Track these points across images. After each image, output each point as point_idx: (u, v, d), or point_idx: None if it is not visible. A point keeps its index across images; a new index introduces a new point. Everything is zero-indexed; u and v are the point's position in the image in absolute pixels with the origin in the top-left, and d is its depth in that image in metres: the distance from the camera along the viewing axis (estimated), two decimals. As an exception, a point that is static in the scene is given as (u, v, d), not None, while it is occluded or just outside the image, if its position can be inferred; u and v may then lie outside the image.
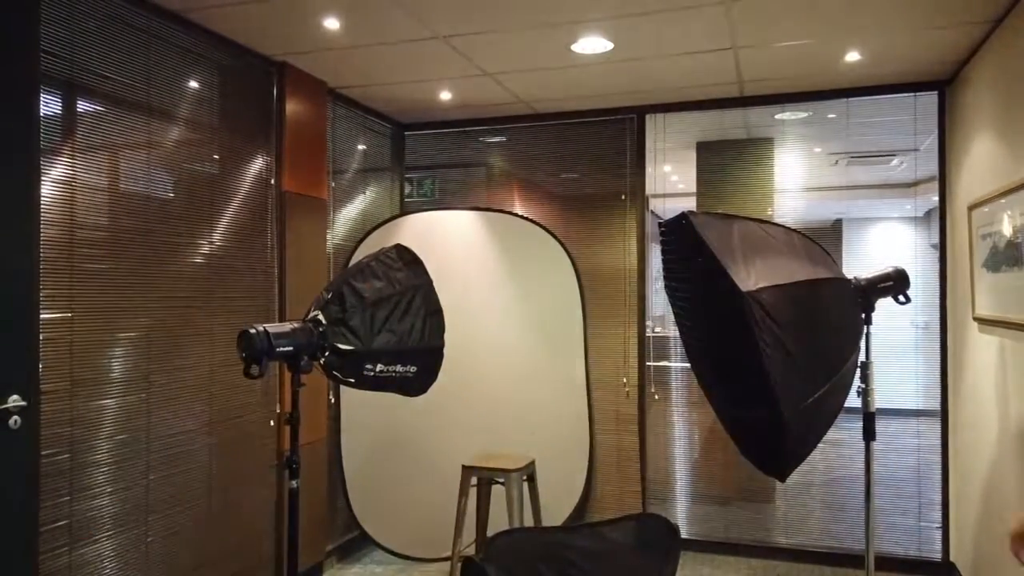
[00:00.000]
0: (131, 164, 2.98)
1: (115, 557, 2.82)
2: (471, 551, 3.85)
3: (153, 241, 2.99)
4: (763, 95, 4.18)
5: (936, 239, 4.14)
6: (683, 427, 4.50)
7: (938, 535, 4.01)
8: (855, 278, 3.02)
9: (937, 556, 3.99)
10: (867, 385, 3.13)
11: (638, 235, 4.42)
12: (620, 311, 4.44)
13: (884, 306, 3.14)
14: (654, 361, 4.48)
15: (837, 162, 5.28)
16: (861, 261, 7.34)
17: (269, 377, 3.49)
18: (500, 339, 4.29)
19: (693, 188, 4.80)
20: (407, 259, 2.83)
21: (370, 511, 4.26)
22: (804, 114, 4.43)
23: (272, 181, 3.64)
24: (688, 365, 3.76)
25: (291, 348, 2.41)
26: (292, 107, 3.70)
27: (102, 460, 2.78)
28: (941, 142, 3.99)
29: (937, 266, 4.04)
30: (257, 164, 3.57)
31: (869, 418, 3.20)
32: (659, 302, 4.50)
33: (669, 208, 4.61)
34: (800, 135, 4.61)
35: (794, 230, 2.89)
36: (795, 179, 4.59)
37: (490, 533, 3.64)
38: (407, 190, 4.92)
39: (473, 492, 3.74)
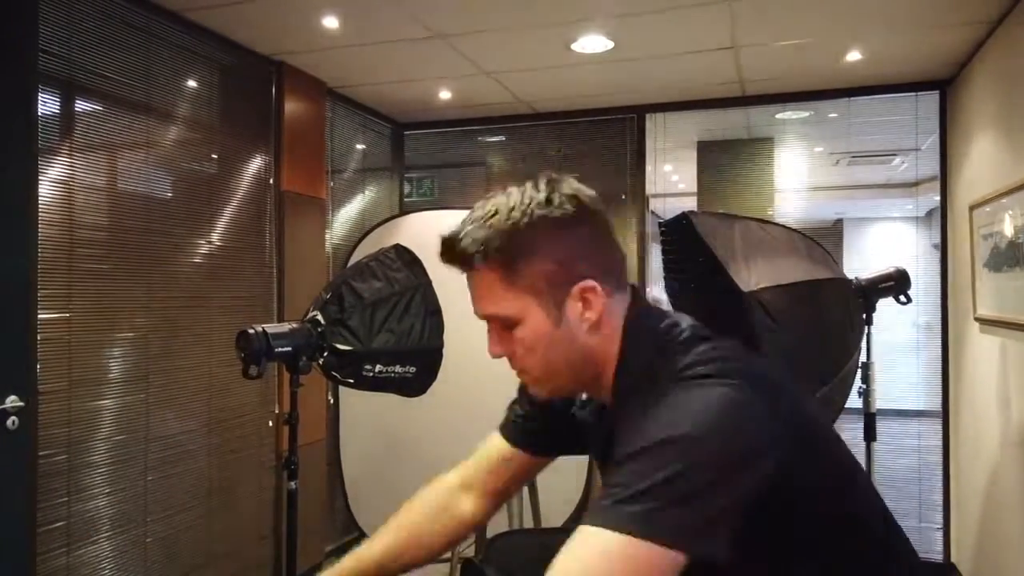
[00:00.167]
0: (130, 164, 2.98)
1: (113, 558, 2.81)
2: (471, 552, 3.83)
3: (152, 241, 2.98)
4: (764, 95, 4.17)
5: (937, 239, 4.13)
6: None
7: (939, 536, 4.00)
8: (856, 278, 3.01)
9: (938, 557, 3.98)
10: (868, 385, 3.13)
11: (638, 235, 4.41)
12: (620, 311, 4.43)
13: (885, 306, 3.13)
14: (654, 361, 4.46)
15: (838, 162, 5.28)
16: (862, 261, 7.35)
17: (268, 378, 3.48)
18: (500, 339, 4.28)
19: (693, 188, 4.80)
20: (406, 259, 2.81)
21: (370, 512, 4.25)
22: (805, 114, 4.42)
23: (271, 181, 3.63)
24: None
25: (290, 348, 2.40)
26: (291, 107, 3.69)
27: (100, 461, 2.77)
28: (942, 142, 3.98)
29: (938, 266, 4.03)
30: (256, 164, 3.56)
31: (870, 419, 3.19)
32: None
33: (669, 208, 4.61)
34: (801, 135, 4.61)
35: (795, 230, 2.89)
36: (796, 179, 4.59)
37: (490, 534, 3.62)
38: (406, 190, 4.91)
39: (473, 493, 3.73)
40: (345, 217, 4.42)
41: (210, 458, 3.28)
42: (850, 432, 3.68)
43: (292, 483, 2.50)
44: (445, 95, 4.20)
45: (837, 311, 2.73)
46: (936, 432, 4.06)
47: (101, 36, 2.78)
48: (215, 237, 3.31)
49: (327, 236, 4.09)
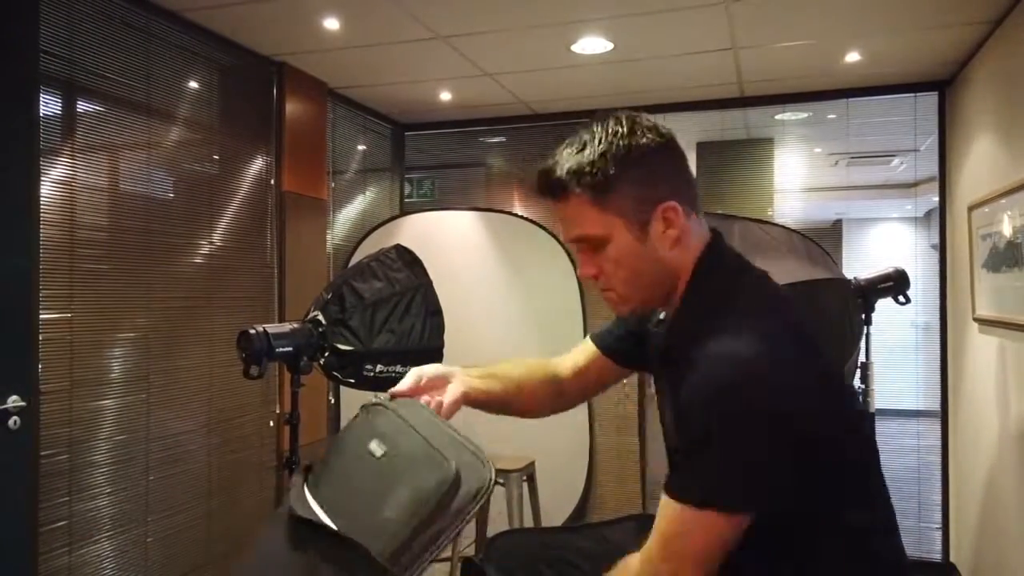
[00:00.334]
0: (131, 164, 2.98)
1: (115, 558, 2.82)
2: (471, 551, 3.84)
3: (153, 241, 2.99)
4: (763, 95, 4.18)
5: (936, 239, 4.14)
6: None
7: (938, 536, 4.01)
8: (855, 278, 3.02)
9: (937, 557, 3.98)
10: (867, 386, 3.13)
11: (638, 235, 4.41)
12: (620, 311, 4.43)
13: (884, 306, 3.14)
14: (654, 361, 4.47)
15: (837, 162, 5.28)
16: (861, 261, 7.36)
17: (269, 378, 3.48)
18: (500, 339, 4.28)
19: (693, 188, 4.80)
20: (407, 259, 2.82)
21: (370, 512, 4.25)
22: (804, 114, 4.43)
23: (272, 181, 3.64)
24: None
25: (291, 348, 2.41)
26: (292, 107, 3.70)
27: (102, 460, 2.77)
28: (941, 142, 3.99)
29: (937, 266, 4.04)
30: (257, 164, 3.57)
31: (869, 419, 3.20)
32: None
33: (669, 208, 4.60)
34: (800, 135, 4.62)
35: (794, 230, 2.89)
36: (795, 179, 4.59)
37: (490, 533, 3.63)
38: (407, 190, 4.92)
39: (473, 493, 3.74)
40: (346, 217, 4.43)
41: (211, 458, 3.28)
42: (849, 432, 3.70)
43: (293, 483, 2.50)
44: (446, 96, 4.21)
45: (836, 311, 2.74)
46: (935, 432, 4.06)
47: (102, 37, 2.79)
48: (216, 237, 3.31)
49: (328, 236, 4.10)
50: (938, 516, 4.01)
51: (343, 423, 4.20)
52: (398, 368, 2.67)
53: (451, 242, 4.30)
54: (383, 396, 1.22)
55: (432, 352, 2.80)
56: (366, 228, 4.45)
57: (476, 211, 4.43)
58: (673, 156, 1.16)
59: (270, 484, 3.63)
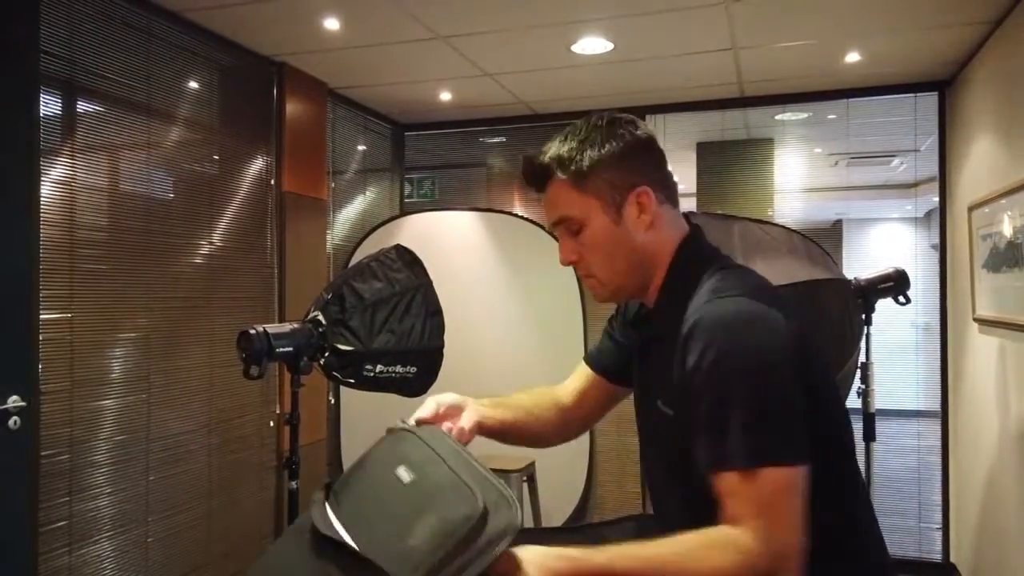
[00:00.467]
0: (131, 164, 2.98)
1: (115, 558, 2.82)
2: (471, 552, 3.83)
3: (153, 241, 2.99)
4: (763, 95, 4.18)
5: (936, 240, 4.14)
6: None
7: (938, 536, 4.01)
8: (855, 278, 3.02)
9: (937, 557, 3.98)
10: (867, 386, 3.13)
11: (638, 236, 4.41)
12: (620, 312, 4.43)
13: (884, 306, 3.14)
14: (654, 362, 4.47)
15: (837, 163, 5.28)
16: (861, 261, 7.36)
17: (269, 378, 3.48)
18: (500, 339, 4.28)
19: (693, 188, 4.80)
20: (407, 259, 2.82)
21: (370, 512, 4.25)
22: (804, 115, 4.43)
23: (272, 182, 3.64)
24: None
25: (291, 349, 2.41)
26: (292, 108, 3.70)
27: (102, 461, 2.77)
28: (941, 143, 3.99)
29: (937, 267, 4.04)
30: (257, 165, 3.57)
31: (869, 419, 3.20)
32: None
33: (669, 209, 4.60)
34: (800, 136, 4.62)
35: (794, 231, 2.89)
36: (795, 180, 4.59)
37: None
38: (407, 190, 4.92)
39: (473, 493, 3.73)
40: (346, 217, 4.43)
41: (211, 458, 3.28)
42: (849, 432, 3.70)
43: (293, 483, 2.50)
44: (446, 96, 4.21)
45: (836, 311, 2.74)
46: (935, 432, 4.06)
47: (102, 37, 2.79)
48: (216, 238, 3.31)
49: (328, 236, 4.10)
50: (938, 516, 4.01)
51: (343, 423, 4.21)
52: (398, 368, 2.67)
53: (451, 242, 4.30)
54: (409, 421, 1.23)
55: (432, 352, 2.80)
56: (366, 228, 4.44)
57: (476, 211, 4.43)
58: (650, 152, 1.22)
59: (270, 484, 3.63)
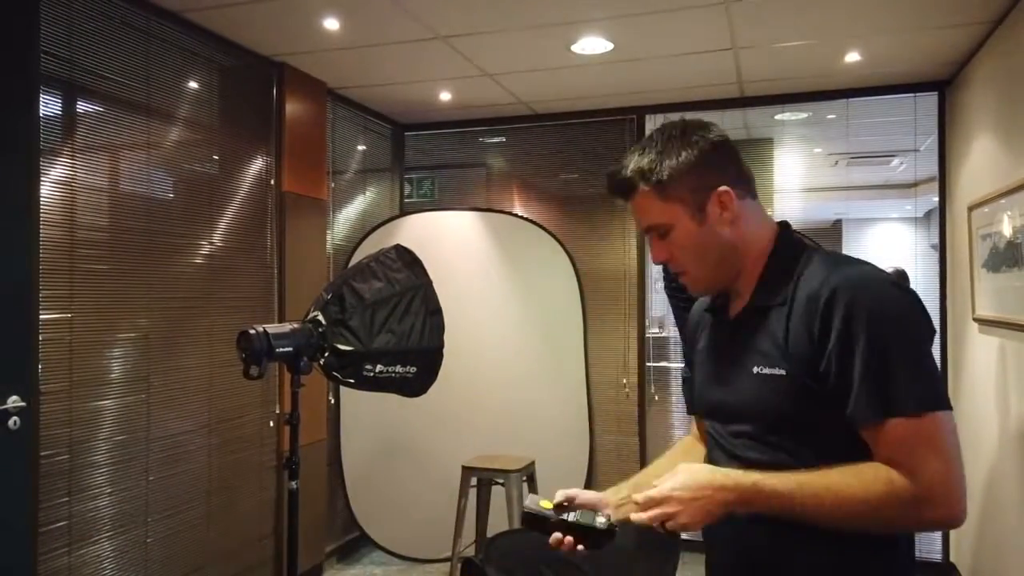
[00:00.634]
0: (131, 165, 2.98)
1: (114, 558, 2.82)
2: (471, 551, 3.84)
3: (153, 241, 2.99)
4: (763, 95, 4.18)
5: (936, 239, 4.14)
6: (683, 428, 4.50)
7: (938, 536, 4.01)
8: (855, 279, 3.01)
9: (937, 557, 3.98)
10: (867, 385, 3.13)
11: (638, 236, 4.42)
12: (620, 312, 4.44)
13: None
14: (654, 362, 4.48)
15: (837, 162, 5.28)
16: (861, 262, 7.35)
17: (269, 378, 3.48)
18: (500, 340, 4.28)
19: (693, 188, 4.80)
20: (407, 259, 2.82)
21: (370, 511, 4.26)
22: (804, 114, 4.43)
23: (272, 182, 3.64)
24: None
25: (291, 349, 2.41)
26: (292, 108, 3.70)
27: (101, 461, 2.77)
28: (941, 142, 3.99)
29: (937, 266, 4.03)
30: (257, 165, 3.57)
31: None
32: (659, 302, 4.50)
33: (669, 208, 4.60)
34: (800, 135, 4.61)
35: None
36: (795, 179, 4.59)
37: (490, 534, 3.63)
38: (407, 190, 4.92)
39: (473, 493, 3.74)
40: (346, 218, 4.43)
41: (211, 458, 3.28)
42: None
43: (293, 483, 2.50)
44: (445, 96, 4.21)
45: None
46: (935, 432, 4.06)
47: (102, 37, 2.79)
48: (216, 238, 3.31)
49: (328, 237, 4.10)
50: (938, 516, 4.01)
51: (343, 423, 4.21)
52: (398, 368, 2.67)
53: (451, 242, 4.31)
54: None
55: (432, 352, 2.80)
56: (366, 228, 4.45)
57: (476, 211, 4.43)
58: (724, 152, 1.32)
59: (270, 484, 3.64)
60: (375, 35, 3.29)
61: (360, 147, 4.58)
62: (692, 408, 1.56)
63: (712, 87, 4.04)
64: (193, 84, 3.25)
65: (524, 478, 3.67)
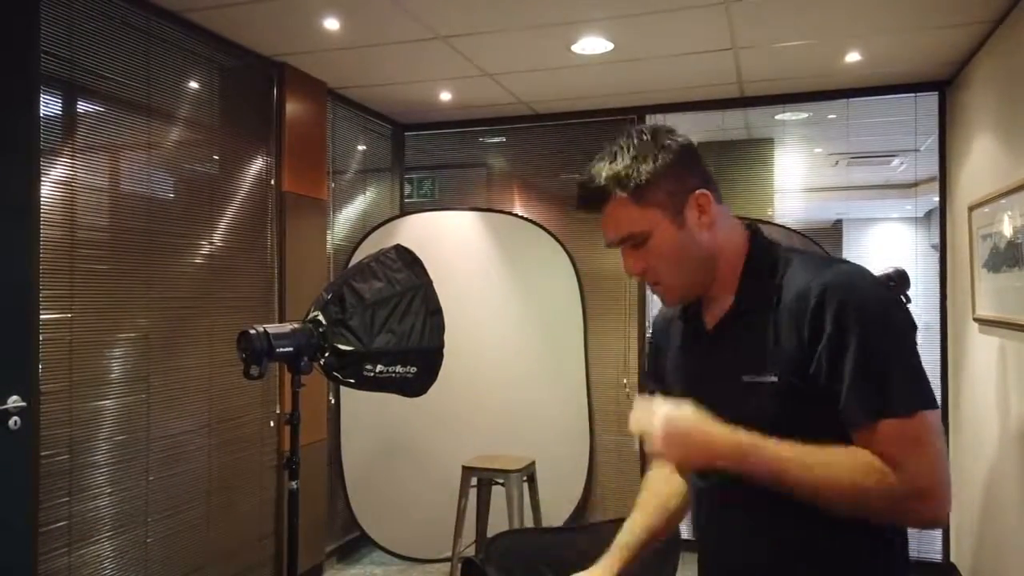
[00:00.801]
0: (131, 165, 2.98)
1: (115, 558, 2.82)
2: (471, 551, 3.84)
3: (153, 241, 2.99)
4: (763, 95, 4.18)
5: (936, 239, 4.14)
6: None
7: (938, 536, 4.01)
8: (855, 279, 3.01)
9: (937, 557, 3.98)
10: (867, 386, 3.13)
11: (638, 236, 4.41)
12: (620, 311, 4.44)
13: (884, 307, 3.13)
14: (654, 362, 4.46)
15: (837, 163, 5.28)
16: (861, 261, 7.35)
17: (269, 378, 3.48)
18: (500, 339, 4.28)
19: (693, 188, 4.80)
20: (407, 259, 2.82)
21: (370, 512, 4.26)
22: (804, 114, 4.43)
23: (272, 182, 3.64)
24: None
25: (291, 349, 2.41)
26: (292, 108, 3.70)
27: (102, 461, 2.77)
28: (941, 142, 3.99)
29: (937, 266, 4.03)
30: (257, 165, 3.57)
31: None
32: (659, 302, 4.49)
33: (669, 208, 4.60)
34: (800, 135, 4.61)
35: (794, 231, 2.89)
36: (795, 179, 4.59)
37: (490, 534, 3.63)
38: (407, 190, 4.92)
39: (473, 493, 3.74)
40: (346, 218, 4.43)
41: (211, 458, 3.28)
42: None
43: (293, 483, 2.50)
44: (446, 96, 4.21)
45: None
46: (935, 432, 4.06)
47: (102, 37, 2.79)
48: (216, 238, 3.31)
49: (328, 236, 4.10)
50: (938, 516, 4.01)
51: (343, 423, 4.21)
52: (398, 368, 2.67)
53: (451, 242, 4.31)
54: None
55: (432, 352, 2.80)
56: (366, 228, 4.45)
57: (476, 211, 4.43)
58: (695, 155, 1.27)
59: (270, 484, 3.64)
60: (375, 35, 3.29)
61: (360, 147, 4.58)
62: None
63: (712, 87, 4.04)
64: (193, 84, 3.25)
65: (524, 478, 3.67)
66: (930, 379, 1.12)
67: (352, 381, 2.63)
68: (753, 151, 4.65)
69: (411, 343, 2.68)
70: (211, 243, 3.28)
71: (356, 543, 4.39)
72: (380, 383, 2.67)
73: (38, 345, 2.47)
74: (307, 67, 3.73)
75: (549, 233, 4.36)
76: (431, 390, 2.90)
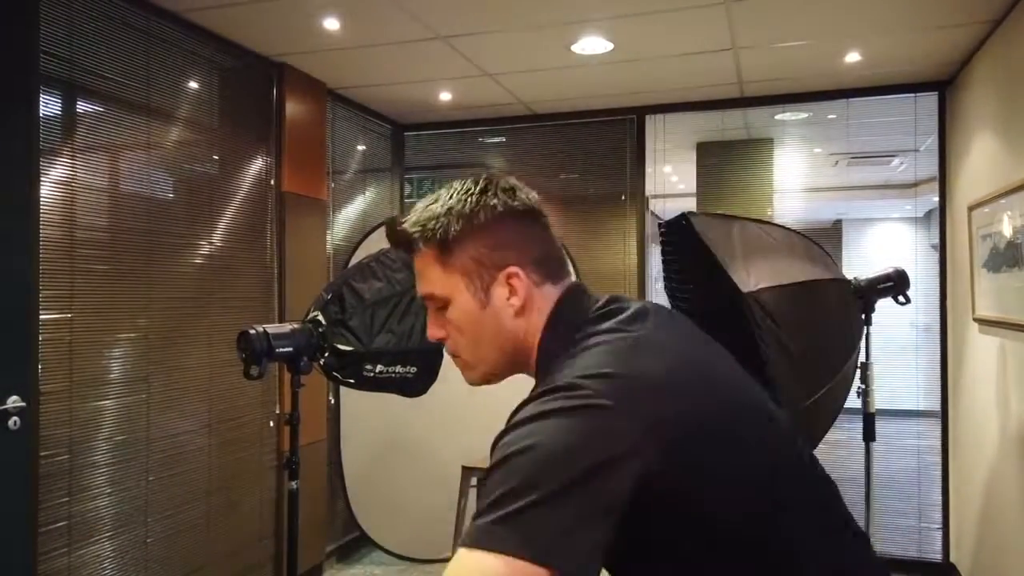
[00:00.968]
0: (131, 165, 2.98)
1: (114, 558, 2.82)
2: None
3: (153, 241, 2.99)
4: (763, 95, 4.18)
5: (936, 239, 4.14)
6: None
7: (938, 536, 4.01)
8: (855, 278, 3.02)
9: (937, 557, 3.98)
10: (867, 386, 3.13)
11: (638, 236, 4.42)
12: (620, 312, 4.43)
13: (884, 306, 3.14)
14: (654, 362, 4.46)
15: (837, 163, 5.28)
16: (861, 261, 7.36)
17: (269, 378, 3.48)
18: (500, 340, 4.28)
19: (693, 188, 4.81)
20: (407, 260, 2.81)
21: (370, 511, 4.25)
22: (804, 115, 4.43)
23: (272, 182, 3.64)
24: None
25: (291, 349, 2.41)
26: (292, 108, 3.70)
27: (101, 461, 2.77)
28: (941, 142, 3.99)
29: (937, 267, 4.04)
30: (257, 165, 3.57)
31: (869, 419, 3.20)
32: (659, 303, 4.49)
33: (669, 209, 4.61)
34: (800, 135, 4.62)
35: (794, 230, 2.89)
36: (795, 180, 4.59)
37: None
38: (407, 191, 4.92)
39: (473, 493, 3.74)
40: (345, 218, 4.43)
41: (211, 458, 3.28)
42: (849, 432, 3.70)
43: (293, 483, 2.50)
44: (445, 96, 4.20)
45: (836, 311, 2.74)
46: (935, 432, 4.06)
47: (102, 38, 2.79)
48: (216, 238, 3.31)
49: (328, 237, 4.10)
50: (938, 516, 4.01)
51: (343, 423, 4.21)
52: (398, 368, 2.67)
53: (451, 242, 4.29)
54: None
55: (432, 352, 2.80)
56: (366, 228, 4.45)
57: (476, 211, 4.42)
58: (527, 222, 1.07)
59: (270, 484, 3.63)
60: (375, 35, 3.28)
61: (360, 147, 4.58)
62: None
63: (712, 87, 4.04)
64: (193, 84, 3.25)
65: (524, 478, 3.67)
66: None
67: (352, 381, 2.63)
68: (753, 151, 4.66)
69: (411, 343, 2.68)
70: (211, 243, 3.28)
71: (356, 543, 4.39)
72: (380, 383, 2.67)
73: (38, 345, 2.47)
74: (307, 67, 3.73)
75: (549, 233, 4.36)
76: (431, 390, 2.90)
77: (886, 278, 3.03)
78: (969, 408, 3.63)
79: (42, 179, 2.50)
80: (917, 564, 4.02)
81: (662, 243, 2.74)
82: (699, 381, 0.97)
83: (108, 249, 2.80)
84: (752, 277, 2.47)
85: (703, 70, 3.75)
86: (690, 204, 4.72)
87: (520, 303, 1.04)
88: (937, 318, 4.01)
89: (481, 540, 0.82)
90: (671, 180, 5.50)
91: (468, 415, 4.24)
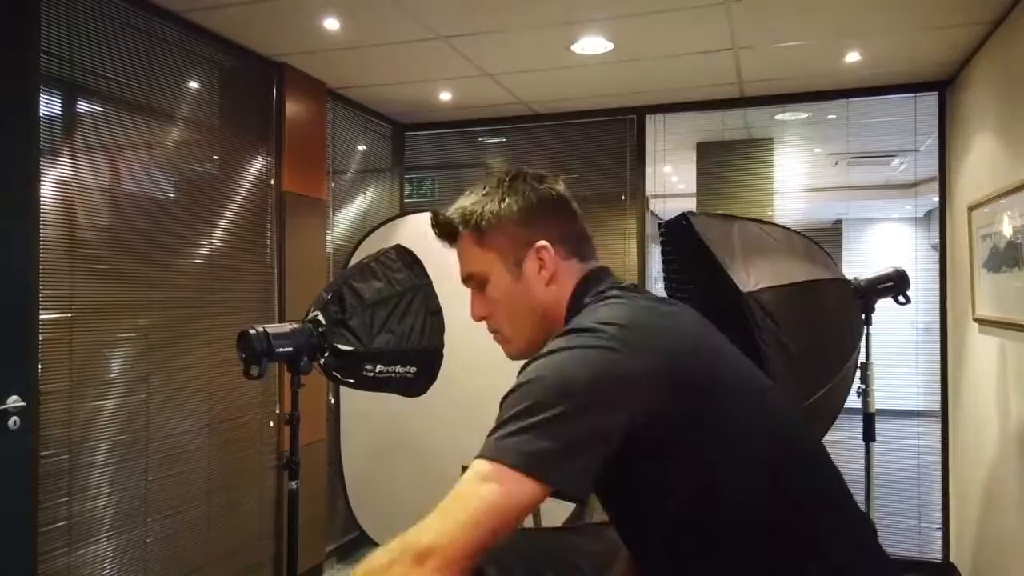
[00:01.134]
0: (131, 165, 2.98)
1: (114, 558, 2.82)
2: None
3: (153, 241, 2.99)
4: (763, 95, 4.18)
5: (936, 240, 4.14)
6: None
7: (938, 536, 4.01)
8: (855, 278, 3.02)
9: (937, 557, 3.98)
10: (867, 386, 3.13)
11: (638, 236, 4.42)
12: (620, 312, 4.43)
13: (884, 306, 3.14)
14: (654, 362, 4.46)
15: (837, 163, 5.28)
16: (861, 261, 7.36)
17: (269, 378, 3.48)
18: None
19: (693, 189, 4.80)
20: (407, 260, 2.82)
21: (370, 511, 4.25)
22: (804, 115, 4.43)
23: (272, 182, 3.64)
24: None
25: (291, 349, 2.41)
26: (292, 108, 3.70)
27: (101, 461, 2.77)
28: (941, 143, 3.99)
29: (937, 267, 4.04)
30: (257, 165, 3.57)
31: (869, 419, 3.20)
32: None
33: (669, 209, 4.61)
34: (800, 135, 4.62)
35: (794, 230, 2.89)
36: (795, 180, 4.59)
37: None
38: (407, 190, 4.92)
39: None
40: (346, 218, 4.43)
41: (211, 458, 3.28)
42: (849, 432, 3.70)
43: (293, 483, 2.50)
44: (445, 96, 4.21)
45: (836, 311, 2.74)
46: (935, 432, 4.06)
47: (103, 37, 2.79)
48: (216, 238, 3.31)
49: (328, 237, 4.10)
50: (938, 516, 4.01)
51: (343, 423, 4.21)
52: (398, 368, 2.67)
53: (451, 242, 4.30)
54: None
55: (432, 352, 2.80)
56: (366, 228, 4.44)
57: (476, 211, 4.42)
58: (554, 207, 1.23)
59: (270, 484, 3.63)
60: (375, 35, 3.29)
61: (360, 147, 4.58)
62: None
63: (712, 87, 4.04)
64: (194, 84, 3.25)
65: (524, 478, 3.66)
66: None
67: (352, 381, 2.63)
68: (753, 151, 4.65)
69: (411, 343, 2.68)
70: (211, 243, 3.28)
71: (356, 543, 4.39)
72: (380, 383, 2.67)
73: (38, 345, 2.47)
74: (307, 67, 3.73)
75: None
76: (431, 390, 2.90)
77: (886, 278, 3.03)
78: (969, 408, 3.63)
79: (42, 179, 2.50)
80: (917, 564, 4.02)
81: (662, 243, 2.74)
82: (708, 350, 1.11)
83: (108, 249, 2.80)
84: (752, 277, 2.47)
85: (703, 70, 3.75)
86: (690, 204, 4.72)
87: (549, 274, 1.19)
88: (937, 318, 4.01)
89: (485, 451, 0.99)
90: (671, 180, 5.50)
91: (468, 415, 4.24)
